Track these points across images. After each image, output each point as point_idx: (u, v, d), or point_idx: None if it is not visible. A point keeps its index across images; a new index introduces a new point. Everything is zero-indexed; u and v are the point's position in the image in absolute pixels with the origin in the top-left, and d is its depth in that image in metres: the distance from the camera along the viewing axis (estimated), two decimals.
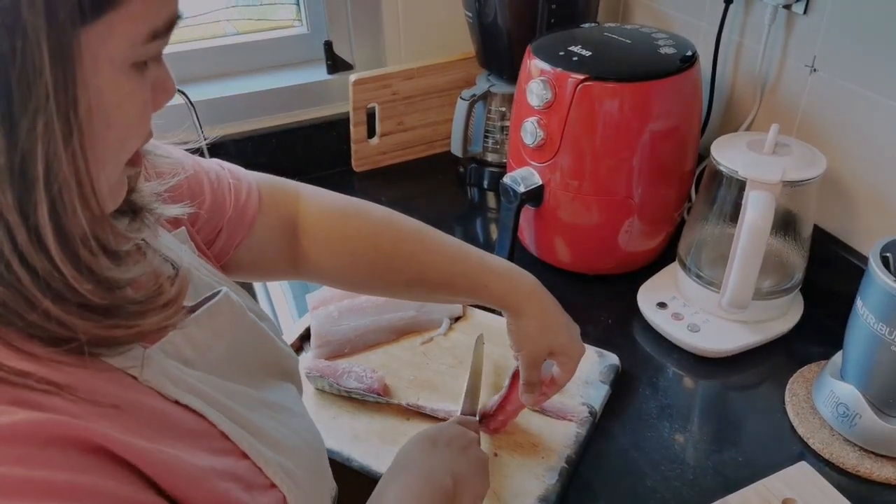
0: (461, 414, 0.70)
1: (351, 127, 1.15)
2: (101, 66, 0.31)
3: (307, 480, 0.45)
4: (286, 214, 0.63)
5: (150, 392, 0.38)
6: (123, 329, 0.35)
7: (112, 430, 0.33)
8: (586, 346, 0.80)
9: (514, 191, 0.87)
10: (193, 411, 0.39)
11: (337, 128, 1.18)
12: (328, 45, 1.16)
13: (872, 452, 0.68)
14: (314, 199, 0.66)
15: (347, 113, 1.15)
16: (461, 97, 1.07)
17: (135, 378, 0.37)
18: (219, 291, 0.45)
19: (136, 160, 0.38)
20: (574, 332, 0.67)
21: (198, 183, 0.57)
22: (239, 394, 0.44)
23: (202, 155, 1.01)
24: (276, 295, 0.94)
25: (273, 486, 0.42)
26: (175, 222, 0.51)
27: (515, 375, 0.71)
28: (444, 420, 0.70)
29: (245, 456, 0.41)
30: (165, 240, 0.47)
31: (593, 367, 0.78)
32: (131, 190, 0.41)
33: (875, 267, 0.63)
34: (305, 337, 0.84)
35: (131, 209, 0.42)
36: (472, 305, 0.85)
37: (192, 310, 0.44)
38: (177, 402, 0.38)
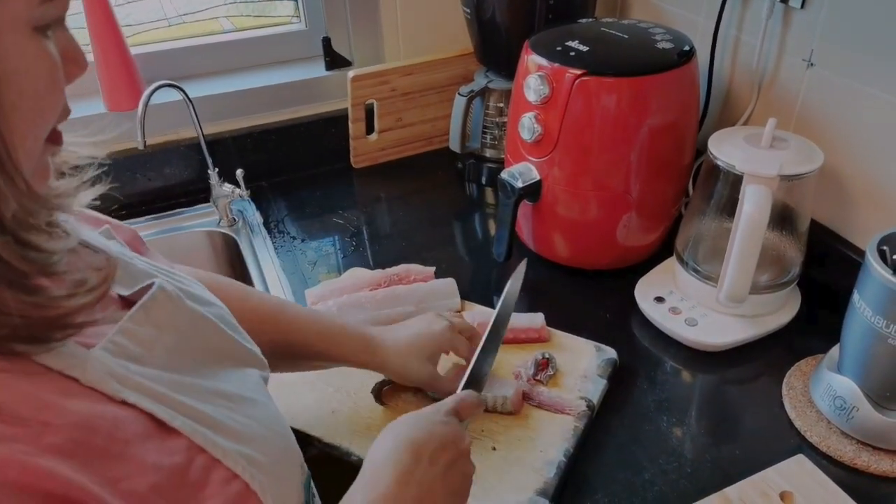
0: (464, 387, 0.60)
1: (349, 123, 1.15)
2: (3, 29, 0.31)
3: (274, 468, 0.45)
4: None
5: (95, 395, 0.37)
6: (51, 309, 0.35)
7: (63, 464, 0.32)
8: (585, 340, 0.81)
9: (512, 186, 0.87)
10: (142, 410, 0.38)
11: (335, 124, 1.18)
12: (326, 42, 1.16)
13: (869, 445, 0.69)
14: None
15: (346, 109, 1.15)
16: (459, 93, 1.07)
17: (76, 380, 0.36)
18: (152, 284, 0.44)
19: (55, 138, 0.38)
20: (428, 325, 0.70)
21: None
22: (191, 387, 0.43)
23: (201, 152, 1.02)
24: (276, 290, 0.94)
25: (235, 475, 0.41)
26: (96, 221, 0.51)
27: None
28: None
29: (202, 450, 0.40)
30: (89, 234, 0.46)
31: (591, 362, 0.78)
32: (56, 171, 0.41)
33: (872, 260, 0.64)
34: None
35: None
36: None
37: (130, 301, 0.43)
38: (124, 402, 0.38)
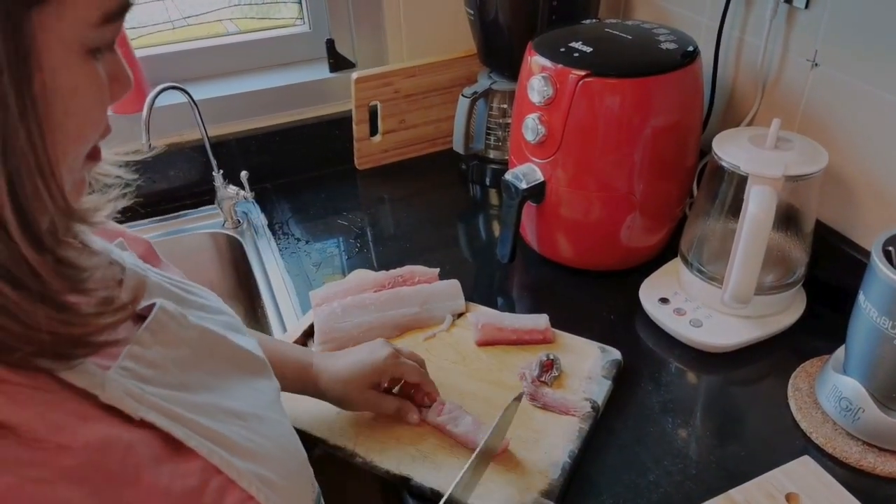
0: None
1: (353, 125, 1.16)
2: (54, 47, 0.32)
3: (287, 487, 0.45)
4: None
5: (110, 418, 0.37)
6: (79, 327, 0.35)
7: (77, 491, 0.32)
8: (589, 341, 0.81)
9: (516, 187, 0.87)
10: (158, 430, 0.39)
11: (339, 126, 1.18)
12: (330, 44, 1.16)
13: (875, 447, 0.68)
14: None
15: (349, 111, 1.15)
16: (463, 94, 1.07)
17: (94, 398, 0.37)
18: (153, 305, 0.44)
19: (95, 154, 0.39)
20: (370, 355, 0.68)
21: None
22: (205, 407, 0.43)
23: (206, 154, 1.02)
24: (280, 291, 0.95)
25: (250, 497, 0.41)
26: (110, 233, 0.51)
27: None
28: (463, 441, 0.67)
29: (218, 471, 0.40)
30: (105, 246, 0.47)
31: (596, 363, 0.78)
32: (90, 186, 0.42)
33: (877, 261, 0.63)
34: (309, 334, 0.84)
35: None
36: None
37: (140, 315, 0.44)
38: (141, 422, 0.38)
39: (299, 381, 0.68)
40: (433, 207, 1.12)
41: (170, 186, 1.13)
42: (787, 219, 0.81)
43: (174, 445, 0.39)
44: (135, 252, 0.51)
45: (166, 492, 0.37)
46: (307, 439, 0.70)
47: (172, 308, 0.46)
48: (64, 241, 0.35)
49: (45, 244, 0.33)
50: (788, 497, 0.63)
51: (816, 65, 0.83)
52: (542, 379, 0.76)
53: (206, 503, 0.39)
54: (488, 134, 1.13)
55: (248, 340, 0.53)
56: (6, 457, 0.32)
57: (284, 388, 0.65)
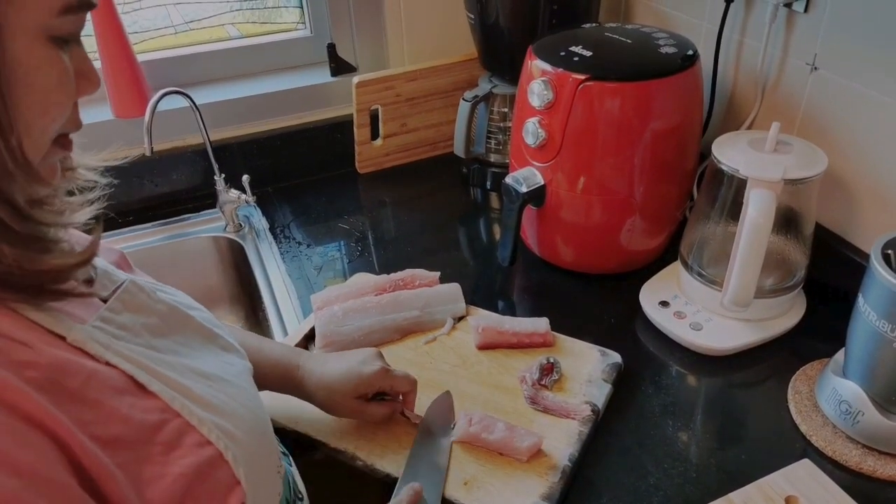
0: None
1: (354, 129, 1.16)
2: (16, 29, 0.36)
3: (249, 444, 0.47)
4: None
5: (77, 352, 0.40)
6: (45, 262, 0.39)
7: (41, 397, 0.35)
8: (590, 344, 0.81)
9: (517, 191, 0.87)
10: (121, 371, 0.42)
11: (340, 130, 1.19)
12: (331, 48, 1.17)
13: (875, 450, 0.68)
14: None
15: (351, 115, 1.15)
16: (463, 98, 1.07)
17: (62, 339, 0.40)
18: (125, 281, 0.48)
19: (65, 143, 0.43)
20: (359, 366, 0.68)
21: None
22: (171, 363, 0.46)
23: (208, 158, 1.03)
24: (281, 295, 0.95)
25: (209, 442, 0.44)
26: (83, 242, 0.54)
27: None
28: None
29: (177, 415, 0.43)
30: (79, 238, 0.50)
31: (596, 366, 0.79)
32: (68, 168, 0.46)
33: (876, 264, 0.63)
34: (310, 337, 0.84)
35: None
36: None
37: (105, 299, 0.46)
38: (107, 364, 0.41)
39: (283, 380, 0.68)
40: (434, 211, 1.12)
41: (172, 190, 1.13)
42: (786, 222, 0.81)
43: (137, 385, 0.42)
44: (106, 259, 0.53)
45: (125, 419, 0.40)
46: (308, 443, 0.71)
47: (143, 282, 0.50)
48: (28, 195, 0.39)
49: (5, 191, 0.37)
50: (788, 500, 0.64)
51: (816, 68, 0.84)
52: (543, 382, 0.76)
53: (162, 438, 0.42)
54: (489, 137, 1.13)
55: (221, 330, 0.56)
56: None
57: (266, 387, 0.67)
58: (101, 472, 0.37)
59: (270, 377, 0.67)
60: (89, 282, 0.46)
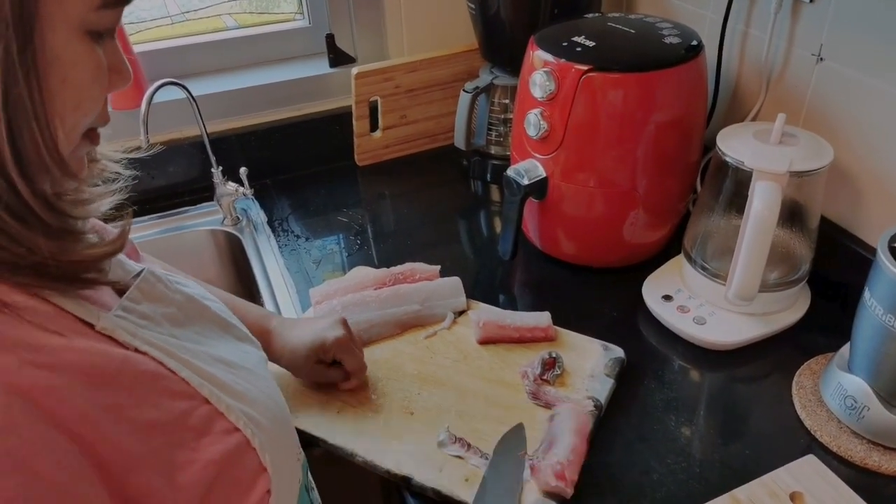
0: None
1: (353, 121, 1.15)
2: (56, 21, 0.36)
3: (273, 431, 0.48)
4: None
5: (107, 339, 0.41)
6: (77, 253, 0.40)
7: (56, 386, 0.35)
8: (592, 339, 0.81)
9: (518, 183, 0.86)
10: (151, 358, 0.42)
11: (339, 122, 1.17)
12: (330, 39, 1.16)
13: (881, 445, 0.68)
14: None
15: (350, 107, 1.14)
16: (464, 90, 1.06)
17: (91, 327, 0.40)
18: (142, 270, 0.49)
19: (94, 137, 0.43)
20: (323, 331, 0.70)
21: None
22: (196, 352, 0.46)
23: (205, 151, 1.02)
24: (280, 289, 0.94)
25: (236, 429, 0.44)
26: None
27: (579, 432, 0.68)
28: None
29: (206, 401, 0.44)
30: (101, 228, 0.51)
31: (598, 361, 0.78)
32: (92, 160, 0.47)
33: (883, 257, 0.63)
34: None
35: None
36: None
37: (124, 291, 0.47)
38: (136, 350, 0.42)
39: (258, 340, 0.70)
40: (434, 204, 1.11)
41: (169, 183, 1.12)
42: (791, 215, 0.80)
43: (168, 371, 0.43)
44: None
45: (158, 404, 0.41)
46: (308, 439, 0.70)
47: (160, 272, 0.50)
48: (57, 187, 0.39)
49: (38, 184, 0.37)
50: (793, 496, 0.63)
51: (822, 59, 0.83)
52: (545, 377, 0.75)
53: (192, 425, 0.42)
54: (490, 129, 1.12)
55: (235, 319, 0.56)
56: (6, 335, 0.35)
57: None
58: (127, 464, 0.37)
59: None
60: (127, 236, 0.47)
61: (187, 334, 0.48)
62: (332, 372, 0.72)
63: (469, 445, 0.68)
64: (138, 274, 0.48)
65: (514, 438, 0.69)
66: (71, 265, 0.40)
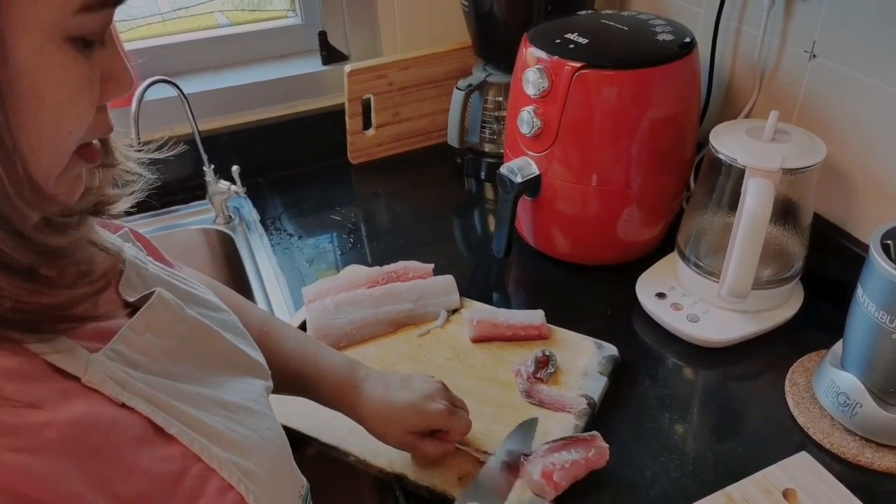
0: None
1: (346, 118, 1.14)
2: (27, 30, 0.31)
3: (270, 479, 0.45)
4: None
5: (94, 397, 0.37)
6: (49, 296, 0.35)
7: (39, 472, 0.32)
8: (586, 337, 0.80)
9: (511, 181, 0.86)
10: (140, 415, 0.39)
11: (332, 119, 1.17)
12: (322, 36, 1.15)
13: (873, 442, 0.68)
14: None
15: (342, 104, 1.13)
16: (457, 87, 1.06)
17: (77, 380, 0.37)
18: (153, 293, 0.45)
19: (90, 154, 0.38)
20: (423, 401, 0.63)
21: None
22: (191, 395, 0.43)
23: (197, 149, 1.01)
24: (272, 288, 0.94)
25: (231, 487, 0.41)
26: (116, 227, 0.51)
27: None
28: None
29: (198, 459, 0.40)
30: (106, 236, 0.47)
31: (592, 359, 0.78)
32: (89, 190, 0.41)
33: (875, 255, 0.63)
34: (302, 330, 0.83)
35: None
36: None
37: (135, 307, 0.44)
38: (123, 406, 0.38)
39: (336, 396, 0.64)
40: (428, 202, 1.11)
41: (160, 181, 1.11)
42: (784, 212, 0.80)
43: (156, 430, 0.39)
44: (139, 245, 0.51)
45: (146, 473, 0.37)
46: (300, 438, 0.70)
47: (170, 297, 0.46)
48: (33, 221, 0.34)
49: (7, 219, 0.32)
50: (786, 493, 0.63)
51: (815, 56, 0.82)
52: (538, 375, 0.75)
53: (186, 488, 0.39)
54: (483, 127, 1.11)
55: (243, 342, 0.53)
56: None
57: (317, 401, 0.64)
58: None
59: (323, 391, 0.63)
60: (118, 272, 0.43)
61: (186, 370, 0.45)
62: (428, 446, 0.63)
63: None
64: (146, 295, 0.44)
65: (524, 432, 0.67)
66: (40, 310, 0.35)
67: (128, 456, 0.37)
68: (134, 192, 0.45)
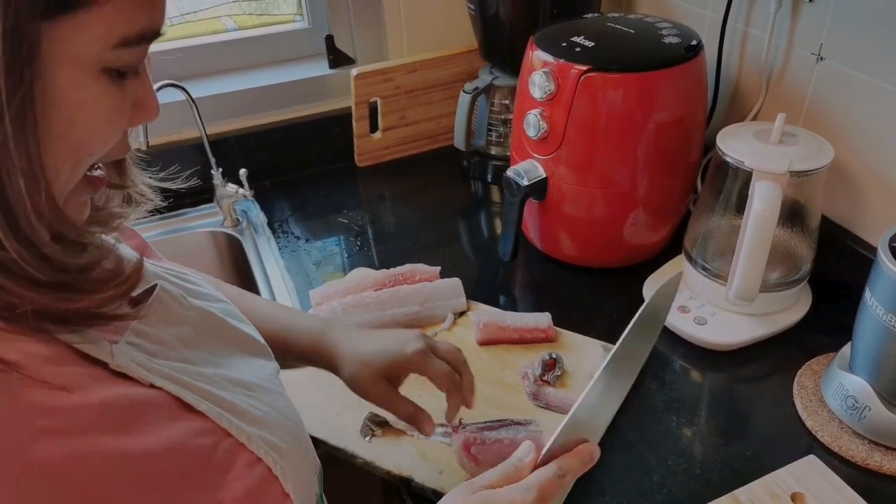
0: (554, 445, 0.51)
1: (353, 122, 1.15)
2: (63, 61, 0.32)
3: (292, 453, 0.46)
4: None
5: (122, 380, 0.38)
6: (74, 302, 0.36)
7: (77, 455, 0.33)
8: (592, 339, 0.80)
9: (518, 184, 0.86)
10: (168, 394, 0.40)
11: (339, 123, 1.17)
12: (329, 40, 1.16)
13: (882, 445, 0.68)
14: None
15: (349, 108, 1.14)
16: (464, 90, 1.06)
17: (104, 366, 0.38)
18: (155, 286, 0.46)
19: (96, 183, 0.40)
20: (398, 342, 0.61)
21: None
22: (211, 377, 0.44)
23: (205, 152, 1.02)
24: (280, 290, 0.94)
25: (259, 459, 0.42)
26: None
27: None
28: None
29: (227, 434, 0.41)
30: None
31: (599, 362, 0.78)
32: (97, 209, 0.43)
33: (883, 257, 0.62)
34: None
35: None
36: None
37: (137, 301, 0.45)
38: (151, 386, 0.39)
39: (311, 349, 0.63)
40: (434, 205, 1.11)
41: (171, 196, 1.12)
42: (792, 215, 0.80)
43: (186, 408, 0.40)
44: (128, 244, 0.52)
45: (182, 447, 0.38)
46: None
47: (172, 289, 0.47)
48: (54, 233, 0.35)
49: (30, 239, 0.33)
50: (794, 497, 0.63)
51: (822, 58, 0.82)
52: (545, 378, 0.75)
53: (216, 462, 0.40)
54: (490, 130, 1.12)
55: (248, 327, 0.54)
56: (16, 398, 0.32)
57: (297, 359, 0.65)
58: None
59: (301, 346, 0.64)
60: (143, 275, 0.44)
61: (202, 356, 0.46)
62: (399, 403, 0.61)
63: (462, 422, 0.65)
64: (150, 289, 0.45)
65: (669, 289, 0.57)
66: (72, 312, 0.36)
67: (162, 432, 0.38)
68: (137, 212, 0.47)
